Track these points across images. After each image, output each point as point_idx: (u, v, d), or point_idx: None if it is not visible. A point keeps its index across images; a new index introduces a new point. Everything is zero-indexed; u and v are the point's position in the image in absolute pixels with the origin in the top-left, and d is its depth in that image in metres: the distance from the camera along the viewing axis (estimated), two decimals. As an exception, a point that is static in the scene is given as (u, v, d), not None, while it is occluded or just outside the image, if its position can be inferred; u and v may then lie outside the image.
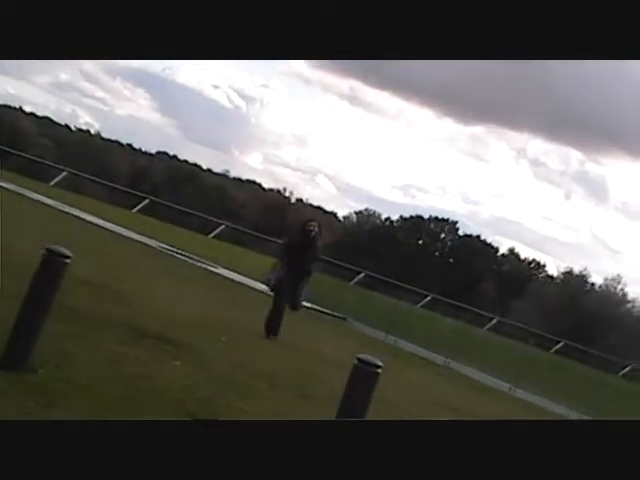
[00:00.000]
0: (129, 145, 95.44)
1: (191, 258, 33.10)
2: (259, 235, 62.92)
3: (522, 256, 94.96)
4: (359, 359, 9.51)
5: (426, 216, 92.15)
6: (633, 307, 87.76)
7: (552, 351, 56.38)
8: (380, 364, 9.53)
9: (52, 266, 9.87)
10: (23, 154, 62.60)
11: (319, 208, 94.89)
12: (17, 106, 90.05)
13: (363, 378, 9.48)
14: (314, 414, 12.21)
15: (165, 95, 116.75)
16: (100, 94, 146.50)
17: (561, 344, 58.38)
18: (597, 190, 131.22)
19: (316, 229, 20.25)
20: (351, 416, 9.36)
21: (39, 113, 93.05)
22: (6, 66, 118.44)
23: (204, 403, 10.95)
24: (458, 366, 27.05)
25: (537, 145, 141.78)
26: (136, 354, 12.40)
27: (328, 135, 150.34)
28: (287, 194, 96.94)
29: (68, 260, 9.88)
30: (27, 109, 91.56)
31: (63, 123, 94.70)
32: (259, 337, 18.68)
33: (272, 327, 18.99)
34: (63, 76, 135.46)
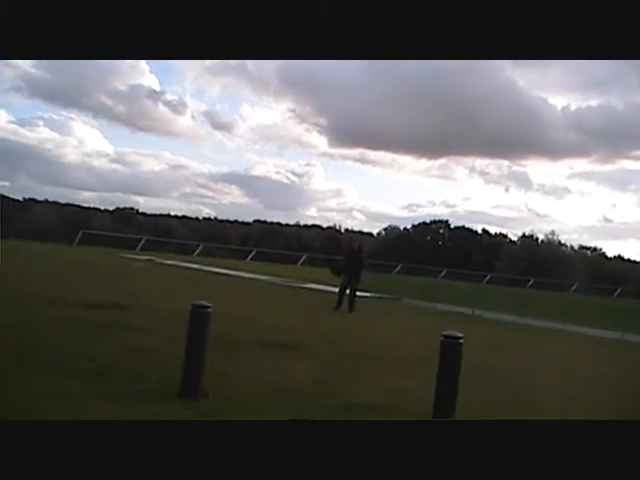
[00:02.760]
0: (235, 221, 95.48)
1: (287, 282, 31.50)
2: (326, 257, 62.20)
3: (491, 232, 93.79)
4: (445, 335, 7.60)
5: (427, 221, 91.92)
6: (566, 248, 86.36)
7: (528, 286, 55.78)
8: (461, 335, 7.60)
9: (199, 316, 8.10)
10: (173, 240, 63.66)
11: (360, 232, 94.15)
12: (165, 213, 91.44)
13: (450, 349, 7.55)
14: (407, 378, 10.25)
15: (248, 185, 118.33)
16: (210, 194, 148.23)
17: (532, 281, 57.88)
18: (524, 181, 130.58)
19: (356, 245, 22.62)
20: (448, 380, 7.50)
21: (178, 214, 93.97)
22: (151, 188, 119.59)
23: (332, 389, 9.04)
24: (475, 311, 24.70)
25: (480, 162, 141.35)
26: (273, 363, 10.40)
27: (352, 185, 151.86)
28: (337, 228, 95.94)
29: (210, 310, 8.09)
30: (172, 213, 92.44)
31: (194, 217, 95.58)
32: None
33: (338, 304, 20.51)
34: (187, 190, 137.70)
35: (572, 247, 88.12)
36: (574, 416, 8.77)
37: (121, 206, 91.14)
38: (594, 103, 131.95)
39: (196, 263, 38.34)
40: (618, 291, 60.06)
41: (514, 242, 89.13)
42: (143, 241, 50.30)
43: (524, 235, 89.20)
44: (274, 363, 10.34)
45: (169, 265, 34.99)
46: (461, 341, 7.51)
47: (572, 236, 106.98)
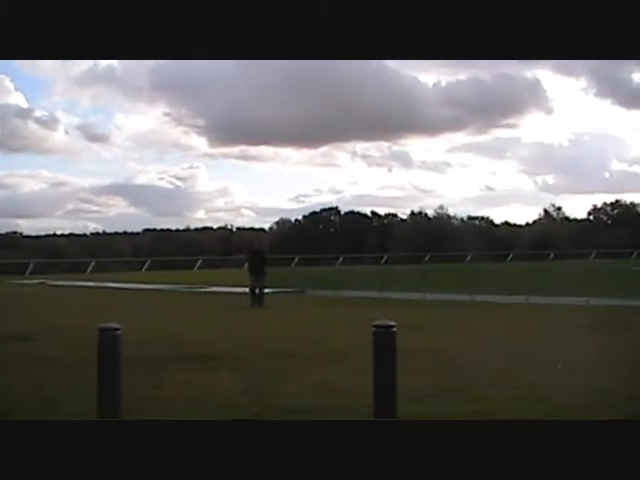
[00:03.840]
0: (124, 232, 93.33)
1: (188, 288, 30.58)
2: (223, 257, 62.06)
3: (381, 213, 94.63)
4: (376, 325, 7.18)
5: (317, 210, 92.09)
6: (455, 220, 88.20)
7: (425, 262, 56.38)
8: (393, 324, 7.20)
9: (109, 340, 7.36)
10: (63, 260, 62.43)
11: (251, 228, 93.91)
12: (51, 233, 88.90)
13: (384, 339, 7.13)
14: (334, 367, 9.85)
15: (132, 194, 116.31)
16: (95, 208, 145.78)
17: (428, 257, 58.55)
18: (405, 160, 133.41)
19: (257, 246, 24.62)
20: (385, 371, 7.09)
21: (65, 232, 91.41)
22: (33, 208, 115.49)
23: (260, 396, 8.52)
24: (381, 294, 24.47)
25: (361, 146, 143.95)
26: (194, 377, 9.78)
27: (238, 183, 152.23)
28: (229, 227, 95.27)
29: (119, 331, 7.39)
30: (58, 232, 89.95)
31: (81, 233, 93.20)
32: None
33: (253, 302, 21.39)
34: (70, 206, 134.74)
35: (461, 219, 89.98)
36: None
37: (3, 231, 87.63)
38: (463, 77, 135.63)
39: (90, 280, 36.97)
40: (510, 256, 61.56)
41: (405, 220, 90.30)
42: (32, 265, 48.21)
43: (413, 213, 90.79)
44: (195, 377, 9.73)
45: (62, 286, 33.59)
46: (394, 329, 7.12)
47: (458, 208, 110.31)
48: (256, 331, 14.92)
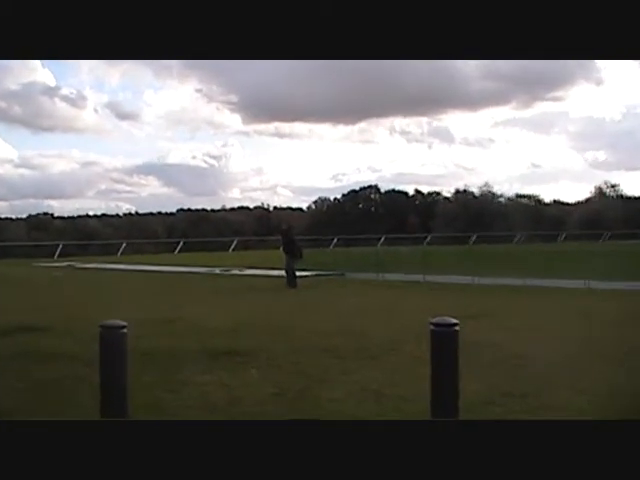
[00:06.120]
0: (158, 212, 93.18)
1: (223, 271, 29.65)
2: (260, 238, 61.57)
3: (424, 192, 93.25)
4: (434, 323, 6.01)
5: (356, 188, 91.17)
6: (501, 198, 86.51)
7: (471, 243, 55.18)
8: (456, 322, 6.01)
9: (113, 337, 6.50)
10: (95, 242, 61.41)
11: (289, 208, 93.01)
12: (84, 214, 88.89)
13: (444, 339, 5.97)
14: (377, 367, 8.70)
15: (165, 174, 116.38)
16: (127, 188, 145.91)
17: (474, 237, 57.37)
18: (446, 136, 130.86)
19: (284, 226, 24.63)
20: (446, 377, 5.94)
21: (97, 213, 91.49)
22: (64, 189, 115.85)
23: (295, 401, 7.43)
24: (426, 277, 23.15)
25: (400, 122, 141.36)
26: (217, 379, 8.71)
27: (273, 161, 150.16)
28: (265, 206, 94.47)
29: (124, 330, 6.45)
30: (90, 213, 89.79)
31: (114, 214, 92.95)
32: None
33: (287, 283, 21.78)
34: (102, 187, 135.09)
35: (508, 197, 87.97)
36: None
37: (34, 212, 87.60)
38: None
39: (121, 263, 36.44)
40: (563, 236, 59.92)
41: (448, 199, 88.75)
42: (60, 246, 47.71)
43: (458, 191, 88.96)
44: (219, 378, 8.65)
45: (90, 269, 32.94)
46: (456, 328, 5.95)
47: (504, 186, 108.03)
48: (289, 321, 13.77)
